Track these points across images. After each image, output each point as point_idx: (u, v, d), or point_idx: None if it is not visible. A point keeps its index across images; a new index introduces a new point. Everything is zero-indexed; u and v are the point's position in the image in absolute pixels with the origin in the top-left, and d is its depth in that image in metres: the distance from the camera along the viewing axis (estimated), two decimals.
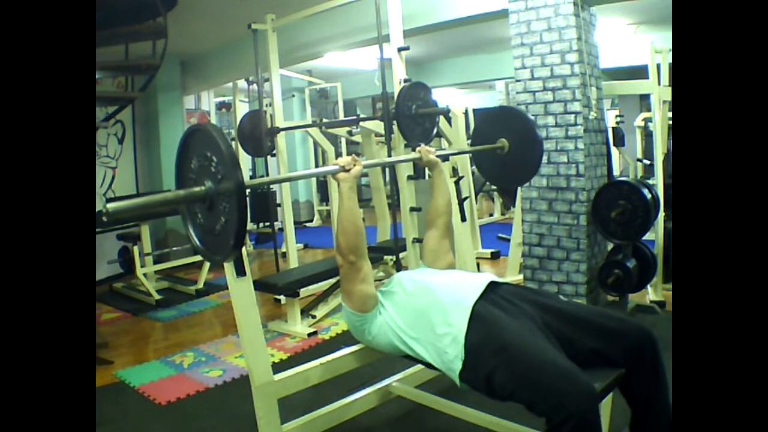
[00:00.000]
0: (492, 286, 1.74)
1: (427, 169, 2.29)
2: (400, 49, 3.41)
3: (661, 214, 3.37)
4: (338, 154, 8.36)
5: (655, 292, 3.49)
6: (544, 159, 3.33)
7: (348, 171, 1.81)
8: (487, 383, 1.52)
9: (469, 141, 2.82)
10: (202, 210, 1.45)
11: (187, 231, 1.52)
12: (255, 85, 6.00)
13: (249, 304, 1.80)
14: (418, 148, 2.25)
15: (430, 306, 1.71)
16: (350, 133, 5.55)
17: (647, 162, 6.36)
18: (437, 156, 2.23)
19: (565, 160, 3.25)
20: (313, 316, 3.66)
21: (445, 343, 1.62)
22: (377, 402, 2.18)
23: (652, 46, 3.67)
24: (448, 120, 4.86)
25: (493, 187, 7.39)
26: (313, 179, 8.70)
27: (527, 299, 1.71)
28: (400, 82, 3.36)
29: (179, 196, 1.41)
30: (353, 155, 1.92)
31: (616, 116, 6.90)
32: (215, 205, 1.40)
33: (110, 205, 1.24)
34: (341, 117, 7.68)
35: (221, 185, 1.36)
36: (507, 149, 2.40)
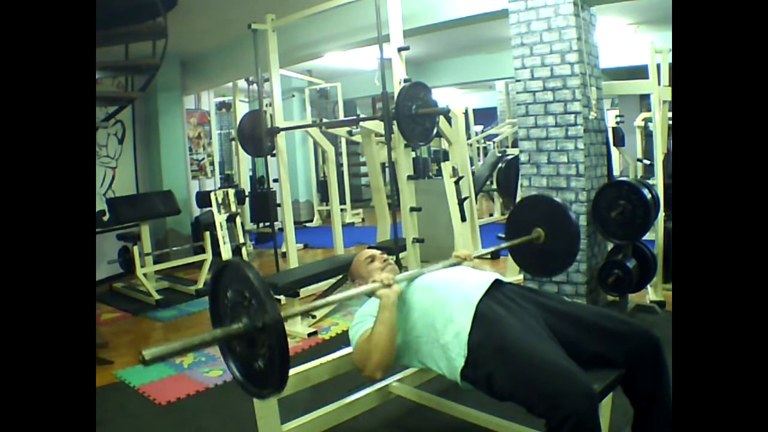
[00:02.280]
0: (496, 284, 1.74)
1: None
2: (400, 49, 3.41)
3: (661, 214, 3.37)
4: (338, 154, 8.37)
5: (655, 292, 3.49)
6: (544, 159, 3.34)
7: (389, 286, 1.72)
8: (488, 383, 1.52)
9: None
10: (242, 346, 1.41)
11: (227, 366, 1.46)
12: (255, 85, 6.01)
13: None
14: (458, 254, 2.07)
15: (434, 304, 1.70)
16: (350, 133, 5.56)
17: (647, 162, 6.35)
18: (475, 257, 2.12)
19: (565, 160, 3.25)
20: (313, 316, 3.66)
21: (448, 340, 1.62)
22: (377, 402, 2.18)
23: (652, 46, 3.67)
24: (448, 120, 4.86)
25: (494, 186, 7.40)
26: (314, 180, 8.70)
27: (530, 300, 1.71)
28: (400, 82, 3.37)
29: (217, 336, 1.36)
30: (388, 272, 1.88)
31: (616, 116, 6.90)
32: (255, 341, 1.36)
33: (147, 353, 1.16)
34: (341, 117, 7.69)
35: (257, 322, 1.32)
36: (543, 239, 2.31)
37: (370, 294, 1.76)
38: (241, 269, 1.35)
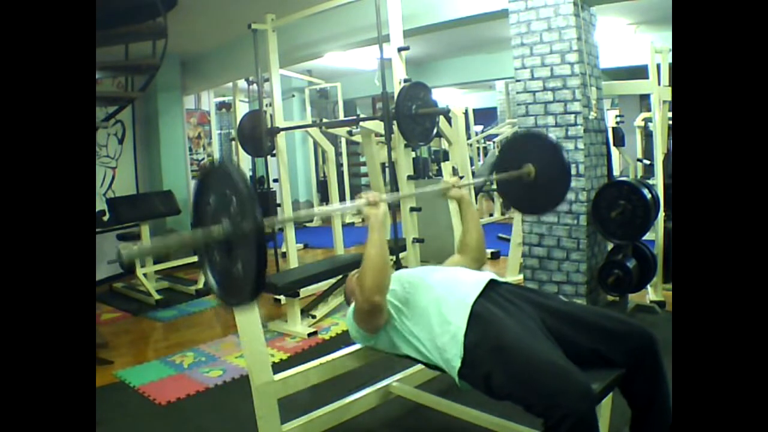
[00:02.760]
0: (492, 284, 1.74)
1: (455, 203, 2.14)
2: (400, 49, 3.41)
3: (661, 214, 3.37)
4: (338, 154, 8.37)
5: (655, 292, 3.49)
6: None
7: (376, 205, 1.73)
8: (486, 383, 1.52)
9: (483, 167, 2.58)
10: (221, 252, 1.39)
11: (203, 271, 1.46)
12: (255, 85, 5.99)
13: None
14: (447, 180, 2.17)
15: (430, 304, 1.71)
16: (350, 133, 5.55)
17: (647, 162, 6.35)
18: (466, 186, 2.15)
19: None
20: (313, 316, 3.66)
21: (444, 341, 1.62)
22: (377, 402, 2.18)
23: (652, 46, 3.67)
24: (448, 120, 4.85)
25: (494, 186, 7.39)
26: (314, 180, 8.70)
27: (527, 299, 1.71)
28: (400, 82, 3.36)
29: (197, 238, 1.36)
30: (374, 192, 1.85)
31: (616, 116, 6.90)
32: (233, 248, 1.33)
33: (124, 251, 1.17)
34: (341, 117, 7.68)
35: (239, 227, 1.28)
36: (533, 175, 2.25)
37: (358, 213, 1.74)
38: (227, 170, 1.33)
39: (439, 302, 1.69)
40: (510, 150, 2.45)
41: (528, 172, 2.25)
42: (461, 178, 4.73)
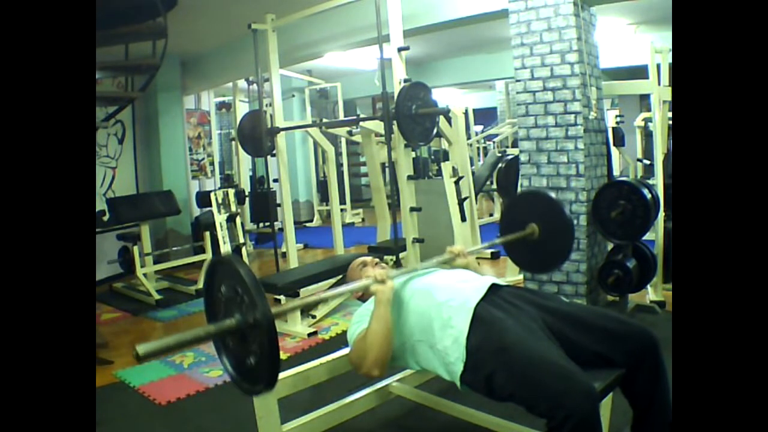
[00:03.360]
0: (493, 288, 1.74)
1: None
2: (400, 49, 3.41)
3: (661, 214, 3.37)
4: (338, 154, 8.37)
5: (655, 292, 3.49)
6: (544, 159, 3.34)
7: (383, 282, 1.74)
8: (487, 384, 1.52)
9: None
10: (235, 342, 1.41)
11: (220, 360, 1.47)
12: (255, 85, 6.00)
13: None
14: (453, 249, 2.06)
15: (431, 308, 1.70)
16: (350, 133, 5.56)
17: (647, 162, 6.35)
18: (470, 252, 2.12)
19: (565, 160, 3.25)
20: (313, 316, 3.66)
21: (446, 345, 1.62)
22: (377, 402, 2.18)
23: (652, 46, 3.67)
24: (448, 120, 4.86)
25: (494, 186, 7.39)
26: (314, 180, 8.70)
27: (529, 301, 1.71)
28: (400, 82, 3.37)
29: (210, 331, 1.37)
30: (382, 267, 1.88)
31: (616, 116, 6.89)
32: (247, 337, 1.36)
33: (140, 348, 1.17)
34: (341, 117, 7.68)
35: (249, 318, 1.31)
36: (537, 234, 2.28)
37: (365, 290, 1.76)
38: (232, 266, 1.36)
39: (440, 307, 1.68)
40: (512, 212, 2.47)
41: (532, 232, 2.28)
42: (461, 178, 4.76)
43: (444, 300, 1.70)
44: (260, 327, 1.29)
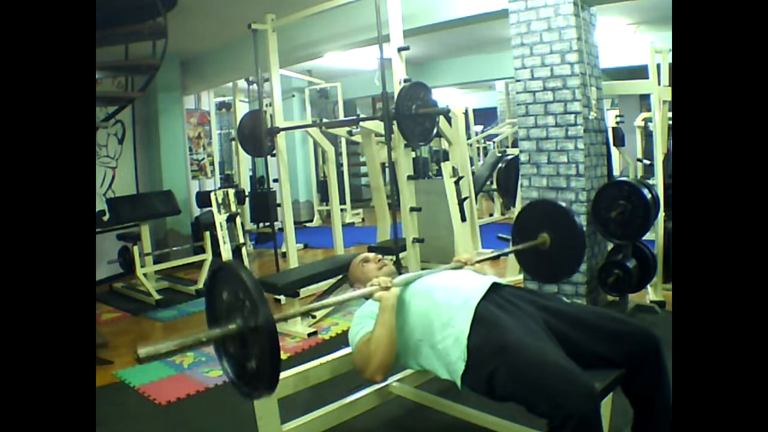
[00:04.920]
0: (494, 287, 1.74)
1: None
2: (400, 49, 3.42)
3: (661, 214, 3.37)
4: (338, 154, 8.37)
5: (655, 292, 3.49)
6: (544, 159, 3.34)
7: (387, 289, 1.74)
8: (488, 384, 1.52)
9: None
10: (236, 346, 1.42)
11: (221, 365, 1.47)
12: (255, 85, 6.00)
13: None
14: (459, 257, 2.03)
15: (432, 308, 1.70)
16: (350, 133, 5.56)
17: (647, 162, 6.35)
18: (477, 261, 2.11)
19: (565, 160, 3.25)
20: (313, 317, 3.66)
21: (447, 345, 1.62)
22: (377, 402, 2.18)
23: (652, 46, 3.67)
24: (448, 120, 4.86)
25: (494, 186, 7.40)
26: (314, 180, 8.70)
27: (529, 301, 1.71)
28: (400, 82, 3.37)
29: (212, 336, 1.38)
30: (385, 273, 1.89)
31: (616, 116, 6.89)
32: (248, 341, 1.36)
33: (141, 351, 1.18)
34: (341, 117, 7.68)
35: (250, 323, 1.32)
36: (549, 243, 2.29)
37: (368, 297, 1.76)
38: (235, 271, 1.36)
39: (441, 306, 1.68)
40: (524, 221, 2.46)
41: (543, 242, 2.29)
42: (461, 178, 4.76)
43: (445, 300, 1.70)
44: (262, 332, 1.29)
